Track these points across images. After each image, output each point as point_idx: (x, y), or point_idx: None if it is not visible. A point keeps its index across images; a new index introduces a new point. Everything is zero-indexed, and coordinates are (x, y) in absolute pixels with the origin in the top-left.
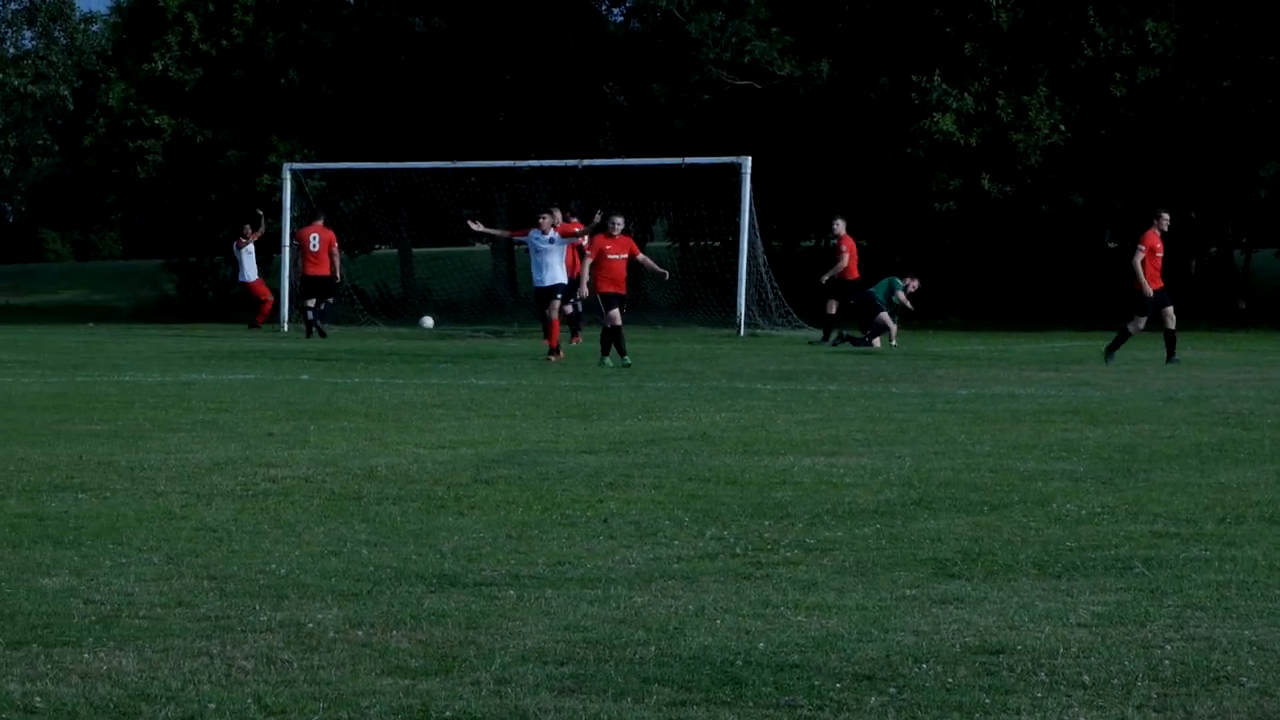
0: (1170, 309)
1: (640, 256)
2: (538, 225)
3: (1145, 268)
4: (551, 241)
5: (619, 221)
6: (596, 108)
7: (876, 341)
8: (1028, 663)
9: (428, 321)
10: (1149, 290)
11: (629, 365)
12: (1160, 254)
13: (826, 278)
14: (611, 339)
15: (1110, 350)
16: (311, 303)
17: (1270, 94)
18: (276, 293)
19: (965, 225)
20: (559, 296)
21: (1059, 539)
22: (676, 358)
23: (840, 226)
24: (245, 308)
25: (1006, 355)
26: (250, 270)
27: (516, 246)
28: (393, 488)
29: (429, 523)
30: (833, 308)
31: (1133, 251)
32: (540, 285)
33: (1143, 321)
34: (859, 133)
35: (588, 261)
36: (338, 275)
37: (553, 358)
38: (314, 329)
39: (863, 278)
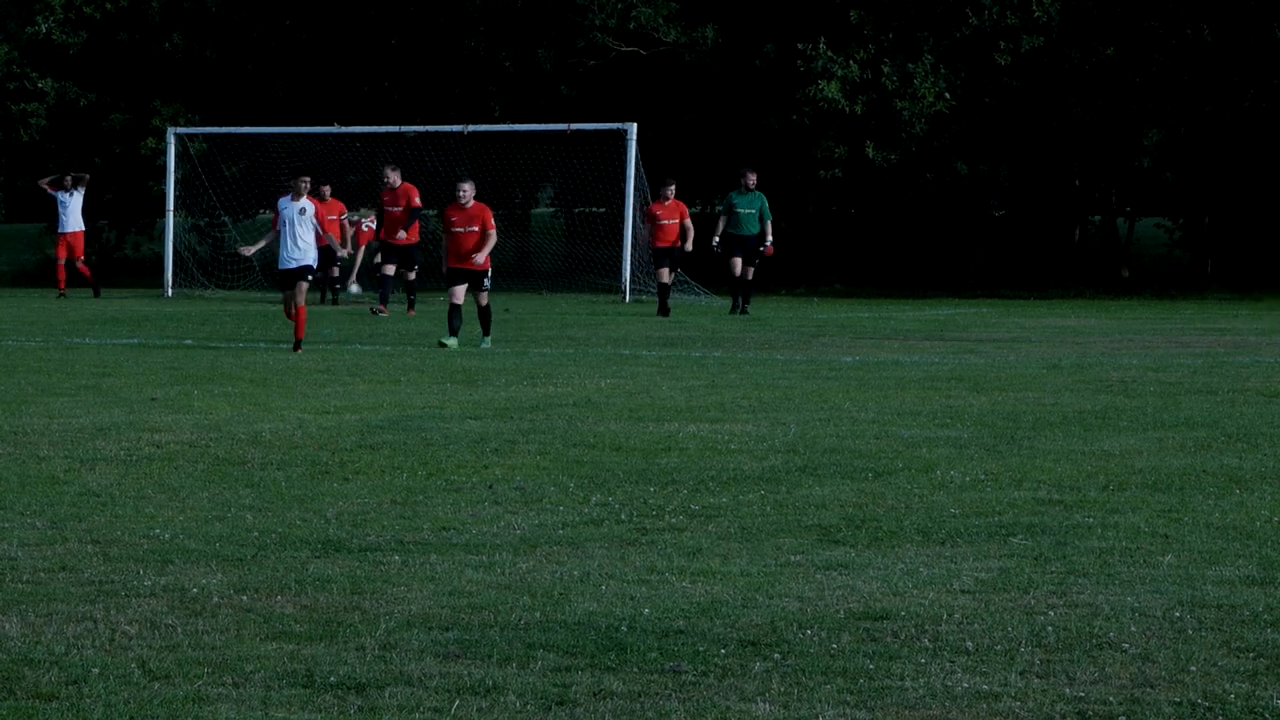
0: None
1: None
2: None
3: None
4: (303, 212)
5: (467, 189)
6: (483, 73)
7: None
8: (911, 629)
9: (354, 288)
10: None
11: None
12: None
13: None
14: (454, 317)
15: None
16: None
17: (1153, 62)
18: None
19: (850, 193)
20: (308, 279)
21: (943, 506)
22: (562, 324)
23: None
24: (129, 272)
25: (891, 323)
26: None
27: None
28: (277, 453)
29: (314, 488)
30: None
31: None
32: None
33: None
34: (744, 99)
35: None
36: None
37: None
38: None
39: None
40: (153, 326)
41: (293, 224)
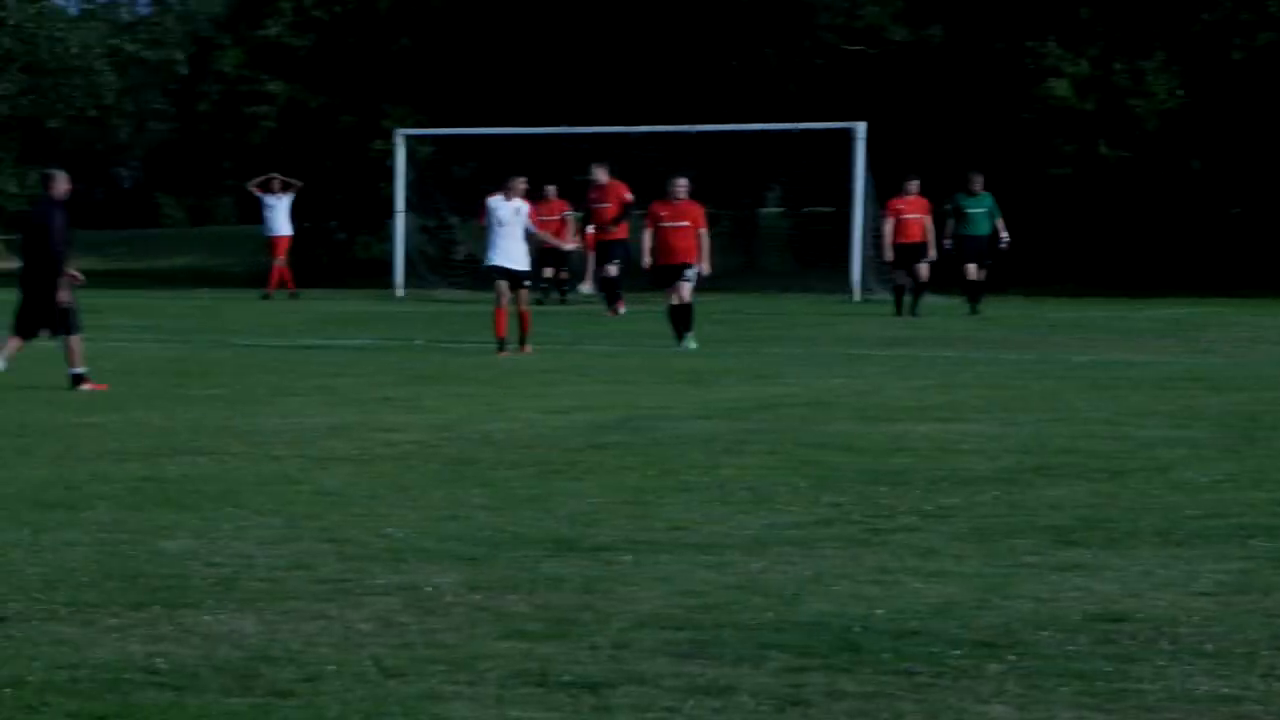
0: None
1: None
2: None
3: None
4: (517, 213)
5: (682, 184)
6: (710, 73)
7: None
8: (1149, 631)
9: (585, 288)
10: None
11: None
12: None
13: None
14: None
15: None
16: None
17: None
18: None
19: (1081, 191)
20: (526, 284)
21: (1180, 507)
22: (791, 323)
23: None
24: (360, 272)
25: (1125, 322)
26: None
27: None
28: (509, 452)
29: (545, 488)
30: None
31: None
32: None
33: None
34: (973, 98)
35: (647, 232)
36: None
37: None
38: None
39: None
40: (384, 326)
41: (506, 224)
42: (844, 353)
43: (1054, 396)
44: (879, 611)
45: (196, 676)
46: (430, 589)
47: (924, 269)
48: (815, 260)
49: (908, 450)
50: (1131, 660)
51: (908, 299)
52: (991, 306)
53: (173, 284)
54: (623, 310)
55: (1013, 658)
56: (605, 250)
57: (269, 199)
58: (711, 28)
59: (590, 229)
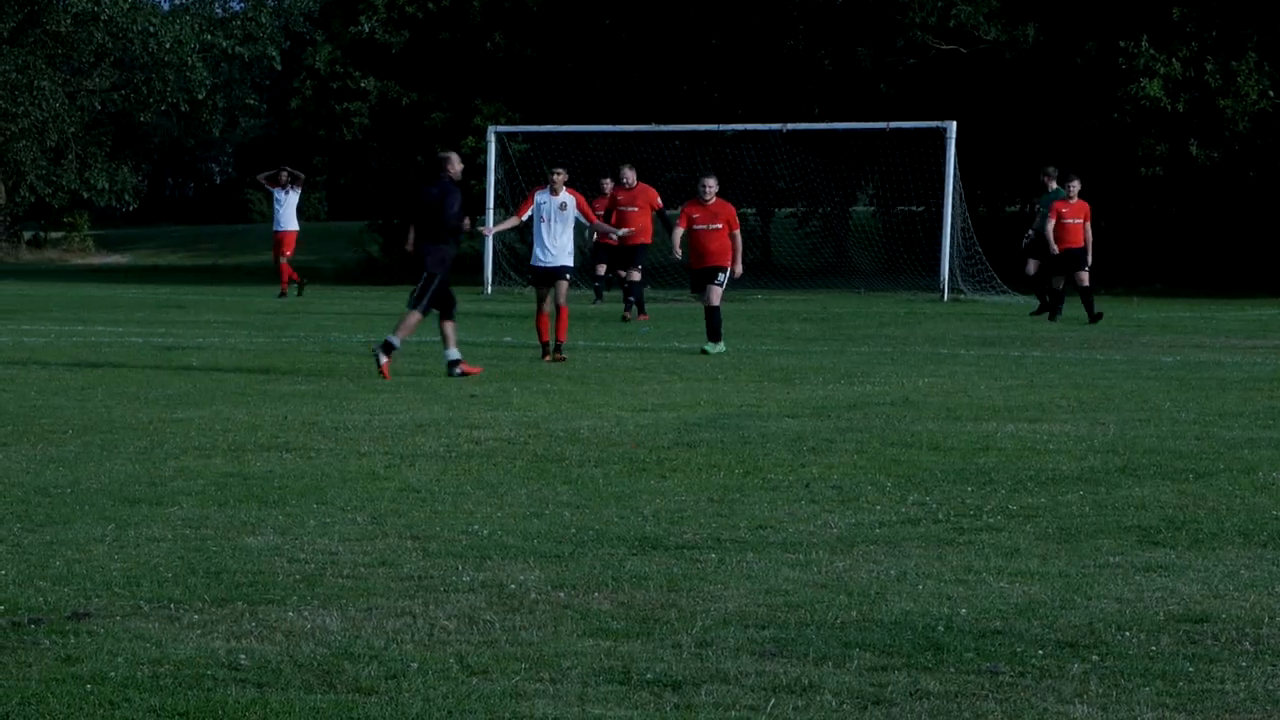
0: None
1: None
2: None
3: None
4: (564, 208)
5: (711, 184)
6: (802, 71)
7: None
8: (1232, 631)
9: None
10: None
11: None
12: None
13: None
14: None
15: None
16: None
17: None
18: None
19: (1171, 191)
20: (567, 277)
21: (1265, 507)
22: (880, 323)
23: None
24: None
25: (1213, 323)
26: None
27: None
28: (595, 450)
29: (631, 486)
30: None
31: None
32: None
33: None
34: (1065, 98)
35: (678, 230)
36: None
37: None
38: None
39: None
40: (472, 323)
41: (551, 220)
42: (932, 352)
43: (1141, 397)
44: (962, 611)
45: (279, 673)
46: (514, 586)
47: (1084, 275)
48: (906, 259)
49: (994, 450)
50: (1214, 661)
51: (1065, 302)
52: (1078, 307)
53: (261, 280)
54: (645, 319)
55: (1095, 658)
56: (629, 254)
57: (279, 193)
58: (806, 27)
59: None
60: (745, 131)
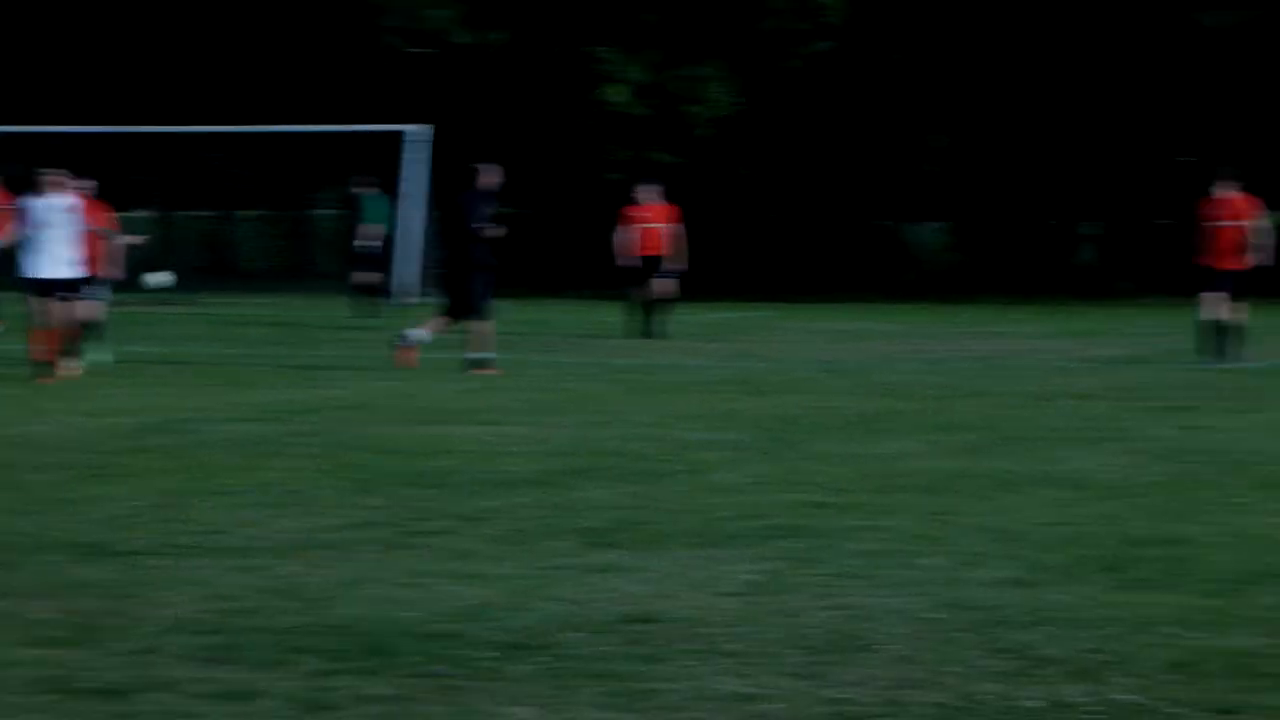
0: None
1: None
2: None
3: None
4: (66, 211)
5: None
6: (272, 72)
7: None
8: (678, 631)
9: (158, 279)
10: None
11: None
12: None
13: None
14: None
15: None
16: None
17: (940, 67)
18: None
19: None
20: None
21: (715, 508)
22: (338, 326)
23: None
24: None
25: (675, 326)
26: None
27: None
28: (47, 455)
29: (79, 491)
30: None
31: None
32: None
33: None
34: (535, 102)
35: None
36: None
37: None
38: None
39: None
40: None
41: (49, 227)
42: (390, 355)
43: (600, 400)
44: (411, 614)
45: None
46: None
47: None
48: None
49: (449, 453)
50: (658, 660)
51: None
52: (543, 309)
53: None
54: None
55: (543, 659)
56: None
57: None
58: (278, 26)
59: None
60: (211, 133)
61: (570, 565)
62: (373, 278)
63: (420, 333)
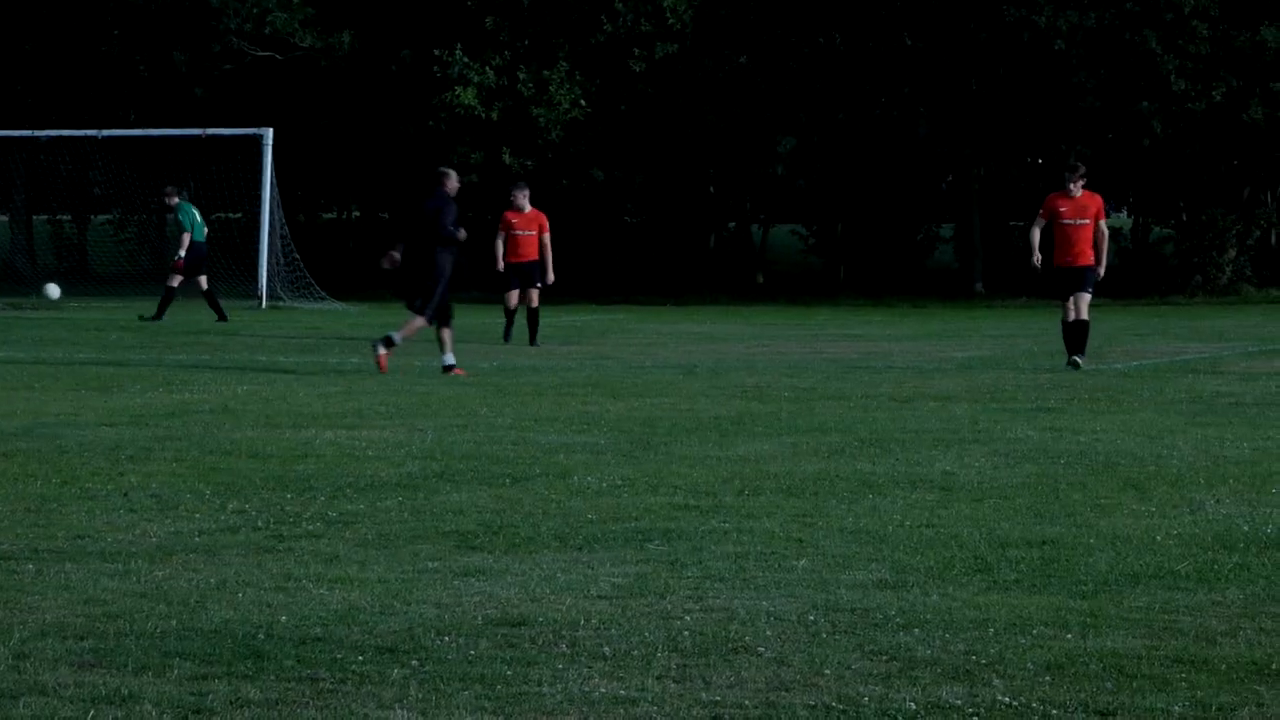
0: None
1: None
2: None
3: None
4: None
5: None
6: (118, 76)
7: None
8: (549, 634)
9: (53, 290)
10: None
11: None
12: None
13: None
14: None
15: None
16: None
17: (786, 70)
18: None
19: (486, 199)
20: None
21: (580, 511)
22: (199, 330)
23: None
24: None
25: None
26: None
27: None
28: None
29: None
30: None
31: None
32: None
33: None
34: (382, 105)
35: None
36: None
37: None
38: None
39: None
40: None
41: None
42: (251, 359)
43: (458, 403)
44: (283, 618)
45: None
46: None
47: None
48: (224, 266)
49: (313, 457)
50: (531, 664)
51: None
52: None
53: None
54: None
55: (415, 663)
56: None
57: None
58: (120, 30)
59: None
60: (60, 137)
61: (438, 569)
62: (199, 283)
63: (397, 336)
